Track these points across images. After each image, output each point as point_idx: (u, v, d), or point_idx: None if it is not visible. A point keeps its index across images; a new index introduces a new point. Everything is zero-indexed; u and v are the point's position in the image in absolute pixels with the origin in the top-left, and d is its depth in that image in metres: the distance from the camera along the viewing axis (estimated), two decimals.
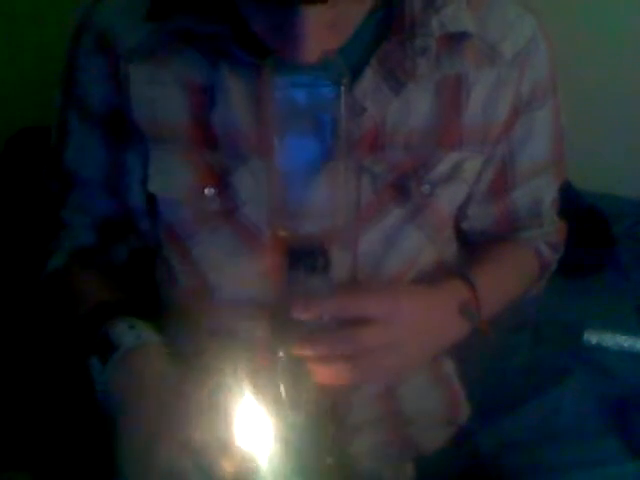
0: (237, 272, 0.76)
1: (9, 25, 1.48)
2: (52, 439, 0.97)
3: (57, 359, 1.01)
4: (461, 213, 0.85)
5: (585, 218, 1.42)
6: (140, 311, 0.74)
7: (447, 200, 0.79)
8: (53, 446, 0.96)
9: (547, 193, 0.88)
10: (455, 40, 0.74)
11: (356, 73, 0.71)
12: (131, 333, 0.71)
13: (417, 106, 0.74)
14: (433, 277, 0.80)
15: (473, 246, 0.89)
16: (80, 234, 0.84)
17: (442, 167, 0.76)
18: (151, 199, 0.77)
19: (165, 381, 0.69)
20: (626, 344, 1.21)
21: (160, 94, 0.73)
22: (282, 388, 0.70)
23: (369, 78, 0.72)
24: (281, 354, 0.70)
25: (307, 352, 0.68)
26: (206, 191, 0.74)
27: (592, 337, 1.22)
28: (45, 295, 0.85)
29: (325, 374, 0.70)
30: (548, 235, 0.91)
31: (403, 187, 0.75)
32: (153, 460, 0.63)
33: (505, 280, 0.85)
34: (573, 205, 1.35)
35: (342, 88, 0.64)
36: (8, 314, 1.09)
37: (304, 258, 0.68)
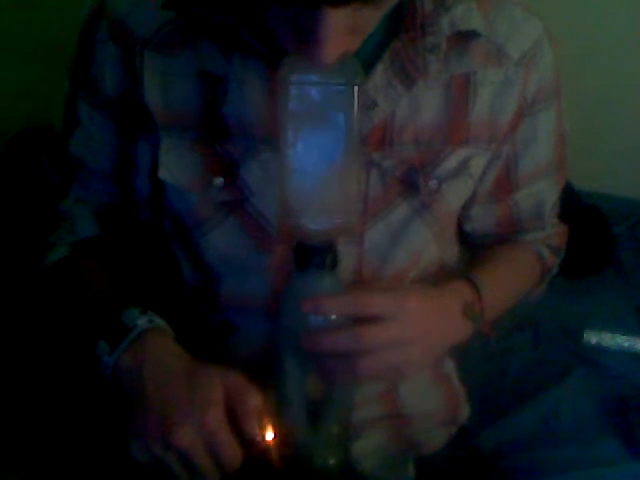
0: (243, 265, 0.76)
1: (9, 23, 1.48)
2: (41, 440, 0.97)
3: (48, 360, 1.02)
4: (464, 214, 0.85)
5: (585, 218, 1.42)
6: (145, 302, 0.75)
7: (453, 196, 0.79)
8: (42, 448, 0.96)
9: (549, 196, 0.89)
10: (464, 39, 0.75)
11: (368, 68, 0.72)
12: (144, 317, 0.72)
13: (426, 102, 0.75)
14: (435, 277, 0.81)
15: (475, 248, 0.90)
16: (82, 225, 0.84)
17: (449, 163, 0.77)
18: (158, 188, 0.78)
19: (181, 362, 0.69)
20: (626, 344, 1.21)
21: (174, 83, 0.73)
22: (286, 385, 0.71)
23: (381, 73, 0.73)
24: (286, 349, 0.70)
25: (313, 348, 0.68)
26: (215, 181, 0.74)
27: (592, 337, 1.22)
28: (45, 286, 0.85)
29: (330, 371, 0.70)
30: (549, 238, 0.92)
31: (411, 182, 0.76)
32: (169, 438, 0.63)
33: (507, 282, 0.85)
34: (573, 205, 1.35)
35: (356, 88, 0.64)
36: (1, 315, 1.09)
37: (313, 254, 0.68)
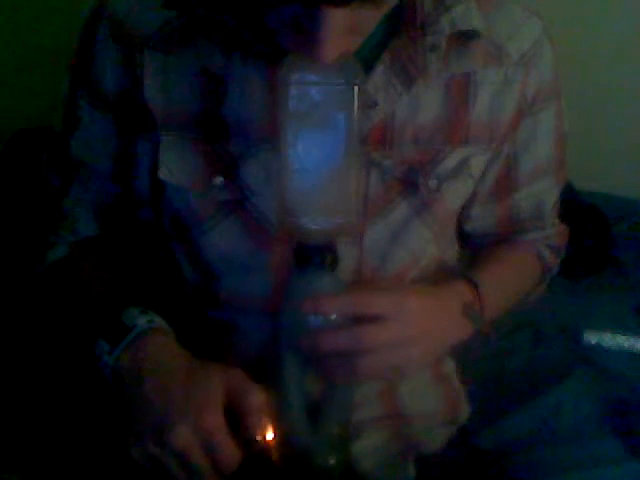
0: (243, 264, 0.76)
1: (9, 24, 1.48)
2: (42, 440, 0.97)
3: (48, 359, 1.01)
4: (465, 214, 0.86)
5: (585, 218, 1.42)
6: (145, 302, 0.75)
7: (453, 195, 0.79)
8: (43, 447, 0.96)
9: (549, 196, 0.89)
10: (464, 39, 0.75)
11: (368, 68, 0.72)
12: (144, 317, 0.72)
13: (426, 102, 0.75)
14: (435, 277, 0.81)
15: (475, 248, 0.90)
16: (82, 225, 0.84)
17: (449, 162, 0.77)
18: (158, 188, 0.78)
19: (181, 361, 0.69)
20: (626, 344, 1.21)
21: (174, 82, 0.74)
22: (286, 385, 0.70)
23: (381, 73, 0.73)
24: (286, 349, 0.70)
25: (313, 348, 0.68)
26: (215, 181, 0.74)
27: (592, 337, 1.22)
28: (44, 285, 0.85)
29: (330, 371, 0.70)
30: (549, 238, 0.92)
31: (411, 181, 0.76)
32: (167, 437, 0.63)
33: (507, 282, 0.86)
34: (573, 205, 1.35)
35: (356, 88, 0.65)
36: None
37: (313, 255, 0.68)
